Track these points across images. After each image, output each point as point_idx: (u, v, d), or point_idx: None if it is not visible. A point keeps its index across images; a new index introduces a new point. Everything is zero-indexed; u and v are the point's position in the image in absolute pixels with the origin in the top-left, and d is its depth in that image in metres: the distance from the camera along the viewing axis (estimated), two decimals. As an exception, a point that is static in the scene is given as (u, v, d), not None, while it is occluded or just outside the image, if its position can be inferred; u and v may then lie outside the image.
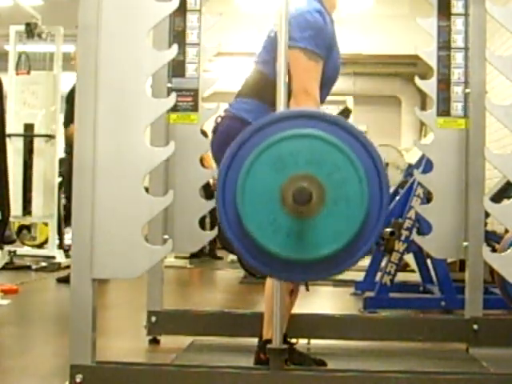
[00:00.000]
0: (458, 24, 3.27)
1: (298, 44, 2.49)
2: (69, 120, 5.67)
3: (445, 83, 3.28)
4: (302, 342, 2.91)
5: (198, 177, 3.28)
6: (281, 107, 2.30)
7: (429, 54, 3.30)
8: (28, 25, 6.63)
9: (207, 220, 7.36)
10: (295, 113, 2.20)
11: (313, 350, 3.03)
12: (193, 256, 7.66)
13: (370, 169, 2.07)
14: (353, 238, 2.05)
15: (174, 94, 2.32)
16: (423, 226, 4.12)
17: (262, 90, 2.61)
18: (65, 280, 4.77)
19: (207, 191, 3.18)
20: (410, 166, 6.01)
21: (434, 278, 4.60)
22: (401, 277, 4.93)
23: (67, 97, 5.85)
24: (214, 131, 2.72)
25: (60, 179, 6.92)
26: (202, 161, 3.85)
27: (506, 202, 2.60)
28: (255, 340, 2.68)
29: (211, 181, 5.94)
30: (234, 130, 2.56)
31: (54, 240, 6.74)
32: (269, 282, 2.60)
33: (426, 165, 3.73)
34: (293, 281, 2.35)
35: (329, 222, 2.04)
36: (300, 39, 2.49)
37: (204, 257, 8.09)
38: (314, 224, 2.05)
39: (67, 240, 7.05)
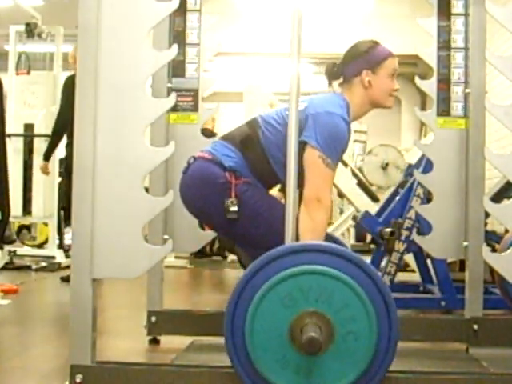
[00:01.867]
0: (457, 24, 3.27)
1: (319, 148, 2.47)
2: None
3: (445, 83, 3.28)
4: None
5: (198, 177, 3.28)
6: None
7: (429, 54, 3.30)
8: (28, 25, 6.63)
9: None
10: (304, 246, 2.21)
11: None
12: (199, 256, 7.66)
13: (380, 305, 2.10)
14: (361, 374, 2.08)
15: (173, 94, 2.32)
16: (423, 226, 4.12)
17: (251, 148, 2.58)
18: (68, 279, 4.79)
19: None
20: (410, 165, 6.00)
21: (434, 278, 4.60)
22: (401, 277, 4.93)
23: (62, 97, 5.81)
24: (185, 172, 2.63)
25: (60, 179, 6.92)
26: None
27: (506, 202, 2.60)
28: (255, 340, 2.68)
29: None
30: (208, 170, 2.55)
31: (54, 240, 6.74)
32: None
33: (426, 165, 3.72)
34: None
35: (337, 359, 2.07)
36: (322, 144, 2.47)
37: (209, 257, 8.11)
38: (322, 361, 2.07)
39: (67, 240, 7.05)
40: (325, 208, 2.47)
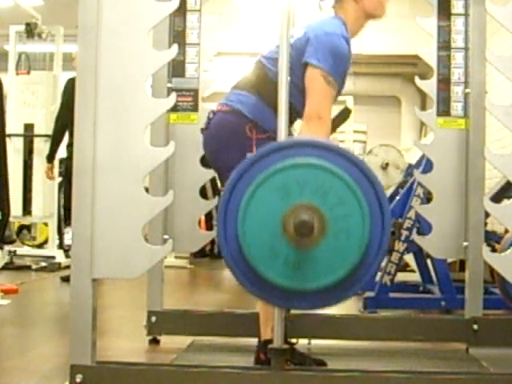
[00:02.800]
0: (458, 24, 3.27)
1: (320, 65, 2.49)
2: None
3: (445, 83, 3.28)
4: (303, 341, 2.91)
5: (198, 177, 3.28)
6: (282, 115, 2.29)
7: (429, 54, 3.30)
8: (28, 25, 6.62)
9: (202, 218, 7.36)
10: (307, 141, 2.19)
11: (313, 350, 3.03)
12: (199, 256, 7.66)
13: (375, 205, 2.08)
14: (350, 272, 2.06)
15: (173, 94, 2.32)
16: (423, 226, 4.12)
17: (264, 87, 2.59)
18: (68, 279, 4.79)
19: (202, 192, 3.19)
20: (410, 165, 6.01)
21: (434, 278, 4.60)
22: (401, 277, 4.93)
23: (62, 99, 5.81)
24: (206, 127, 2.65)
25: (60, 179, 6.92)
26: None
27: (506, 202, 2.60)
28: (255, 340, 2.69)
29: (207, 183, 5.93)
30: (229, 122, 2.56)
31: (54, 240, 6.74)
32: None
33: (426, 165, 3.73)
34: (289, 308, 2.35)
35: (328, 254, 2.05)
36: (323, 61, 2.49)
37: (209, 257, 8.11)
38: (312, 255, 2.05)
39: (67, 240, 7.05)
40: (325, 125, 2.48)
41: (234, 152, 2.51)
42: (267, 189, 2.05)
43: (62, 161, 6.71)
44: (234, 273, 2.10)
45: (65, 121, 5.43)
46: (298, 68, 2.53)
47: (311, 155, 2.09)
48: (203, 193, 3.30)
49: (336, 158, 2.10)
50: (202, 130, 2.68)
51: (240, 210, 2.05)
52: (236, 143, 2.53)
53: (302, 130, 2.47)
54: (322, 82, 2.48)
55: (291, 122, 2.65)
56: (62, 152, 6.69)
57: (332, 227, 2.04)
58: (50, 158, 5.95)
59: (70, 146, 5.51)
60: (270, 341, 2.36)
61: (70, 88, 5.37)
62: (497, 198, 4.34)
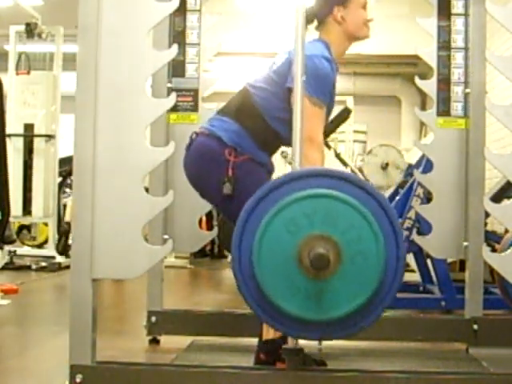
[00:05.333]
0: (458, 24, 3.27)
1: (305, 90, 2.45)
2: None
3: (445, 83, 3.28)
4: (313, 342, 2.90)
5: (198, 177, 3.28)
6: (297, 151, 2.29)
7: (429, 54, 3.30)
8: (28, 25, 6.63)
9: (203, 219, 7.37)
10: (308, 172, 2.19)
11: (312, 350, 3.02)
12: (199, 256, 7.67)
13: (385, 224, 2.08)
14: (371, 296, 2.05)
15: (173, 94, 2.32)
16: (423, 226, 4.12)
17: (247, 116, 2.58)
18: None
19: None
20: (410, 165, 6.01)
21: (434, 278, 4.60)
22: (401, 277, 4.92)
23: None
24: (187, 148, 2.65)
25: (60, 179, 6.92)
26: None
27: (506, 202, 2.60)
28: (255, 340, 2.68)
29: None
30: (208, 147, 2.56)
31: (54, 240, 6.74)
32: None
33: (426, 165, 3.73)
34: (310, 339, 2.35)
35: (347, 281, 2.05)
36: (307, 85, 2.45)
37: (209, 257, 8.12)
38: (331, 284, 2.05)
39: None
40: (318, 147, 2.48)
41: (213, 177, 2.53)
42: (277, 225, 2.07)
43: (62, 161, 6.72)
44: (256, 311, 2.11)
45: None
46: (281, 95, 2.53)
47: (316, 185, 2.11)
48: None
49: (340, 183, 2.11)
50: (187, 149, 2.68)
51: (253, 249, 2.06)
52: (214, 168, 2.54)
53: None
54: (308, 105, 2.45)
55: (274, 151, 2.67)
56: (62, 152, 6.71)
57: (347, 252, 2.04)
58: None
59: None
60: (272, 341, 2.35)
61: None
62: (497, 197, 4.34)
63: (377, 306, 2.08)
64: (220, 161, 2.52)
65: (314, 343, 2.90)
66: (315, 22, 2.71)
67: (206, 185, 2.60)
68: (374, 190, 2.13)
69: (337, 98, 2.67)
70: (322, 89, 2.53)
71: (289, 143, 2.37)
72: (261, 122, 2.57)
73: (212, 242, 7.99)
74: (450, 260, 4.58)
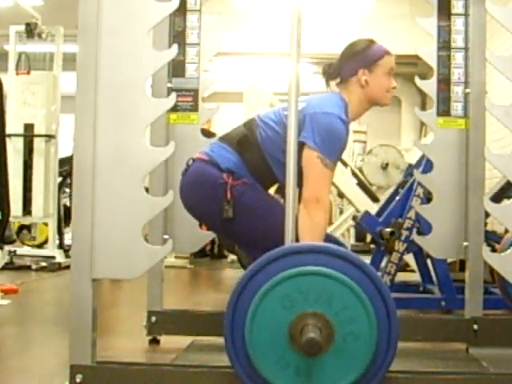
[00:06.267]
0: (457, 24, 3.27)
1: (318, 149, 2.48)
2: None
3: (445, 83, 3.28)
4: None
5: (198, 177, 3.28)
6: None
7: (429, 54, 3.30)
8: (28, 25, 6.62)
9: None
10: (303, 247, 2.21)
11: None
12: (199, 256, 7.67)
13: (379, 306, 2.10)
14: (361, 375, 2.08)
15: (173, 94, 2.32)
16: (423, 226, 4.12)
17: (248, 148, 2.58)
18: None
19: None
20: (410, 165, 6.00)
21: (434, 278, 4.60)
22: (401, 277, 4.93)
23: None
24: (184, 174, 2.64)
25: (60, 179, 6.92)
26: None
27: (506, 202, 2.60)
28: (255, 340, 2.68)
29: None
30: (205, 173, 2.56)
31: (54, 240, 6.74)
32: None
33: (426, 165, 3.72)
34: None
35: (337, 360, 2.07)
36: (320, 144, 2.47)
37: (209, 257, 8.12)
38: (322, 362, 2.07)
39: (67, 240, 7.05)
40: (324, 208, 2.48)
41: (212, 202, 2.53)
42: (271, 299, 2.08)
43: (62, 161, 6.72)
44: (245, 382, 2.13)
45: None
46: None
47: (312, 262, 2.12)
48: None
49: (336, 261, 2.13)
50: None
51: (246, 321, 2.08)
52: (213, 193, 2.53)
53: (300, 215, 2.45)
54: (319, 165, 2.47)
55: (267, 188, 2.67)
56: (62, 152, 6.70)
57: (339, 332, 2.07)
58: None
59: None
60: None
61: None
62: (497, 197, 4.34)
63: None
64: (218, 185, 2.52)
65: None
66: (338, 80, 2.69)
67: (205, 210, 2.60)
68: (371, 270, 2.15)
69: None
70: (334, 152, 2.53)
71: (284, 187, 2.36)
72: (260, 158, 2.57)
73: (212, 242, 7.99)
74: (449, 260, 4.58)
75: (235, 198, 2.50)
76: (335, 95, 2.66)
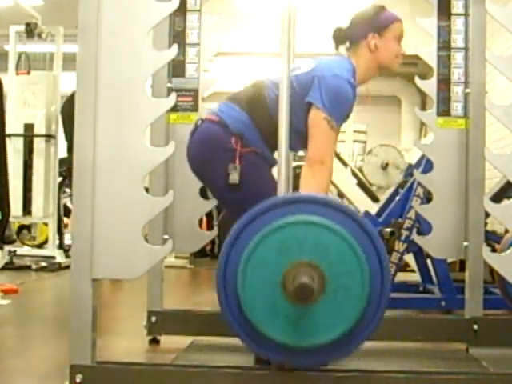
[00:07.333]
0: (457, 24, 3.27)
1: (326, 110, 2.48)
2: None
3: (445, 83, 3.28)
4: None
5: (198, 177, 3.28)
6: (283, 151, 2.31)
7: (429, 54, 3.30)
8: (28, 25, 6.62)
9: (204, 219, 7.37)
10: (304, 198, 2.21)
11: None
12: (199, 256, 7.67)
13: (374, 261, 2.10)
14: (350, 328, 2.08)
15: (173, 94, 2.32)
16: (423, 226, 4.12)
17: (257, 110, 2.58)
18: None
19: (202, 192, 3.19)
20: (410, 165, 6.01)
21: (434, 278, 4.60)
22: (401, 277, 4.93)
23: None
24: (192, 134, 2.64)
25: (60, 179, 6.92)
26: None
27: (506, 202, 2.60)
28: (255, 340, 2.68)
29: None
30: (214, 133, 2.56)
31: (54, 240, 6.74)
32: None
33: (426, 165, 3.72)
34: (291, 366, 2.36)
35: (327, 311, 2.07)
36: (328, 106, 2.48)
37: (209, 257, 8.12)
38: (312, 312, 2.07)
39: (67, 240, 7.05)
40: (328, 170, 2.49)
41: (217, 164, 2.53)
42: (267, 246, 2.07)
43: (62, 161, 6.72)
44: (235, 329, 2.13)
45: None
46: (300, 106, 2.51)
47: (310, 212, 2.11)
48: (203, 193, 3.29)
49: (335, 214, 2.12)
50: (191, 135, 2.68)
51: (240, 265, 2.07)
52: (219, 155, 2.53)
53: (304, 175, 2.46)
54: (326, 127, 2.48)
55: (275, 149, 2.65)
56: (62, 152, 6.70)
57: (332, 284, 2.06)
58: None
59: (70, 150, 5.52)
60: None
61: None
62: (497, 197, 4.34)
63: (355, 338, 2.12)
64: (226, 148, 2.52)
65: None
66: (347, 44, 2.71)
67: (210, 171, 2.58)
68: (370, 227, 2.14)
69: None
70: (341, 114, 2.54)
71: (290, 148, 2.38)
72: (268, 118, 2.55)
73: (212, 242, 7.97)
74: (449, 260, 4.58)
75: (243, 165, 2.50)
76: (344, 59, 2.67)
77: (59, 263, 6.40)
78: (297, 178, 2.52)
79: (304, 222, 2.08)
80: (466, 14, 3.25)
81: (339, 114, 2.52)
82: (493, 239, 4.51)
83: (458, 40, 3.27)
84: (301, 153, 3.04)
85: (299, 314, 2.05)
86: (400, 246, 4.39)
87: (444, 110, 3.27)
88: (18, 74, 6.65)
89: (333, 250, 2.06)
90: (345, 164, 7.05)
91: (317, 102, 2.49)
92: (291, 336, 2.08)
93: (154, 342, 3.29)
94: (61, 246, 6.91)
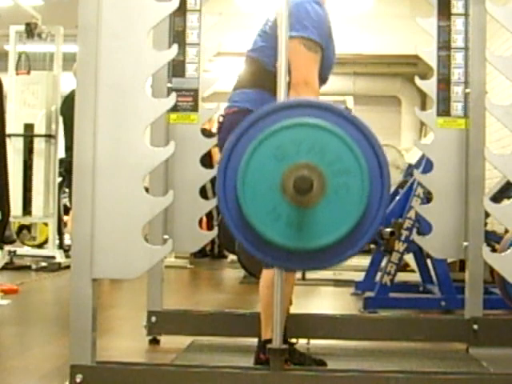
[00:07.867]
0: (458, 24, 3.27)
1: (298, 34, 2.49)
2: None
3: (445, 83, 3.28)
4: (302, 341, 2.91)
5: (198, 177, 3.28)
6: (281, 97, 2.30)
7: (429, 54, 3.30)
8: (28, 25, 6.62)
9: (204, 219, 7.37)
10: (297, 102, 2.20)
11: (313, 350, 3.03)
12: (199, 256, 7.67)
13: (372, 160, 2.08)
14: (352, 228, 2.05)
15: (173, 94, 2.32)
16: (423, 226, 4.12)
17: (261, 78, 2.61)
18: None
19: (202, 192, 3.18)
20: (410, 165, 6.01)
21: (434, 278, 4.60)
22: (401, 277, 4.93)
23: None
24: (219, 131, 2.69)
25: (60, 179, 6.92)
26: (209, 156, 3.82)
27: (506, 202, 2.60)
28: (255, 340, 2.68)
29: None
30: (239, 121, 2.56)
31: (54, 240, 6.74)
32: (263, 281, 2.61)
33: (426, 165, 3.72)
34: (293, 270, 2.33)
35: (329, 212, 2.05)
36: (300, 29, 2.49)
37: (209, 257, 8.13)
38: (314, 213, 2.05)
39: (67, 240, 7.05)
40: (313, 89, 2.48)
41: None
42: (264, 150, 2.06)
43: (62, 161, 6.72)
44: (237, 236, 2.11)
45: None
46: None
47: (306, 115, 2.10)
48: (203, 193, 3.29)
49: (330, 115, 2.10)
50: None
51: (239, 172, 2.06)
52: None
53: (290, 97, 2.43)
54: (303, 49, 2.48)
55: None
56: (62, 152, 6.70)
57: (331, 184, 2.04)
58: None
59: (69, 149, 5.52)
60: (270, 341, 2.35)
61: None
62: (497, 197, 4.34)
63: (357, 241, 2.09)
64: None
65: (303, 341, 2.90)
66: None
67: None
68: (365, 126, 2.11)
69: (337, 98, 2.67)
70: (317, 31, 2.53)
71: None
72: (272, 78, 2.54)
73: (212, 242, 7.98)
74: (450, 260, 4.58)
75: None
76: None
77: (59, 263, 6.40)
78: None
79: (299, 125, 2.08)
80: (465, 14, 3.25)
81: (316, 31, 2.52)
82: (493, 239, 4.50)
83: (458, 40, 3.27)
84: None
85: (302, 217, 2.04)
86: (400, 246, 4.39)
87: (444, 110, 3.28)
88: (18, 73, 6.64)
89: (330, 149, 2.05)
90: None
91: (290, 33, 2.45)
92: (293, 239, 2.06)
93: (154, 341, 3.29)
94: (61, 245, 6.91)
